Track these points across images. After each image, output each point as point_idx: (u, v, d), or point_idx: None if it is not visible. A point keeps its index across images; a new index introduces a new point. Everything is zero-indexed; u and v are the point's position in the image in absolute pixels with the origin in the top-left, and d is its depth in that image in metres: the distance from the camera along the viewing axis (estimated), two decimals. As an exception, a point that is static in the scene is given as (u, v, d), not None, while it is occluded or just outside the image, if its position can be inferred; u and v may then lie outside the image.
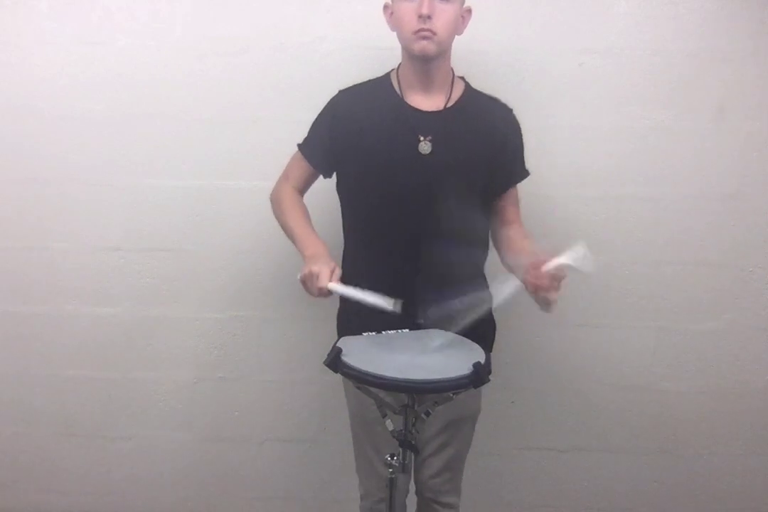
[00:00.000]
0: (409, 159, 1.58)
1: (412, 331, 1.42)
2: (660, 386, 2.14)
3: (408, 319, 1.49)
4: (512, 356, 2.10)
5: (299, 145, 1.70)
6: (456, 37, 1.58)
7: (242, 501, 2.27)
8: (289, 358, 2.15)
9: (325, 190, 1.72)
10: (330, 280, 1.42)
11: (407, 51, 1.57)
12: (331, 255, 1.54)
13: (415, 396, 1.38)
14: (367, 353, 1.38)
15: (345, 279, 1.47)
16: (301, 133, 1.70)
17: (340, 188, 1.71)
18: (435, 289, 1.62)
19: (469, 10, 1.59)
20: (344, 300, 1.67)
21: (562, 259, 1.35)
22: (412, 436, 1.39)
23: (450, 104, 1.62)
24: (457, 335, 1.51)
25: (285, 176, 1.74)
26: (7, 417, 2.22)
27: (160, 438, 2.22)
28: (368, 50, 1.89)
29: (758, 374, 2.12)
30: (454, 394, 1.36)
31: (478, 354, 1.38)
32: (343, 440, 1.83)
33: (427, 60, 1.54)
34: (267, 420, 2.20)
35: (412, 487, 1.78)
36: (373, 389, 1.37)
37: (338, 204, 1.72)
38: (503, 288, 1.41)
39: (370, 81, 1.68)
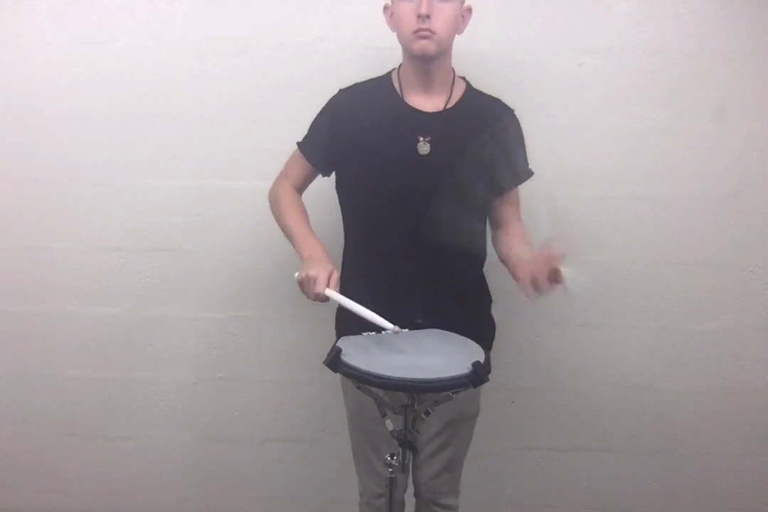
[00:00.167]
0: (407, 159, 1.58)
1: (411, 331, 1.41)
2: (660, 386, 2.14)
3: (408, 319, 1.48)
4: (512, 356, 2.10)
5: (299, 144, 1.71)
6: (456, 37, 1.58)
7: (242, 501, 2.27)
8: (289, 358, 2.15)
9: (324, 189, 1.72)
10: (327, 285, 1.42)
11: (407, 51, 1.57)
12: (330, 255, 1.54)
13: (414, 395, 1.38)
14: (367, 353, 1.38)
15: (344, 279, 1.47)
16: (301, 132, 1.71)
17: (340, 188, 1.71)
18: (434, 289, 1.63)
19: (470, 9, 1.59)
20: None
21: (567, 271, 1.37)
22: (412, 436, 1.39)
23: (450, 105, 1.61)
24: (456, 334, 1.52)
25: (284, 174, 1.74)
26: (7, 417, 2.22)
27: (160, 438, 2.22)
28: (368, 50, 1.89)
29: (758, 374, 2.12)
30: (453, 394, 1.36)
31: (477, 354, 1.38)
32: (343, 440, 1.83)
33: (427, 60, 1.54)
34: (267, 420, 2.20)
35: (411, 487, 1.78)
36: (372, 389, 1.37)
37: (338, 203, 1.72)
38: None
39: (370, 80, 1.68)
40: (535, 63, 1.96)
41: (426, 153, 1.58)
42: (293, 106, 1.93)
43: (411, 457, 1.43)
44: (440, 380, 1.28)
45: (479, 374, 1.29)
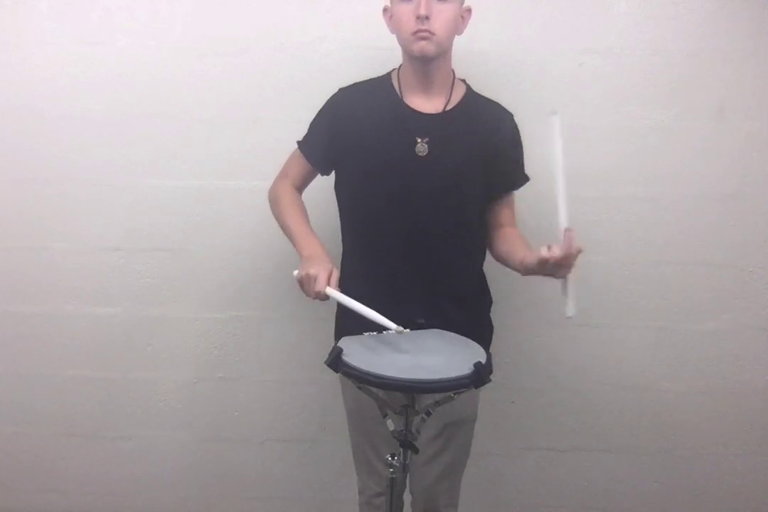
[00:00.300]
0: (405, 160, 1.58)
1: (412, 331, 1.41)
2: (660, 386, 2.14)
3: (408, 319, 1.48)
4: (512, 356, 2.10)
5: (299, 143, 1.71)
6: (457, 37, 1.58)
7: (242, 501, 2.27)
8: (289, 358, 2.15)
9: (324, 188, 1.72)
10: (328, 284, 1.42)
11: (407, 52, 1.57)
12: (330, 255, 1.54)
13: (415, 396, 1.38)
14: (368, 353, 1.38)
15: (344, 279, 1.47)
16: (301, 132, 1.71)
17: (338, 187, 1.71)
18: (433, 289, 1.63)
19: (469, 10, 1.59)
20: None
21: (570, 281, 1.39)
22: (413, 436, 1.39)
23: (449, 107, 1.61)
24: (457, 335, 1.52)
25: (283, 173, 1.74)
26: (7, 417, 2.22)
27: (160, 438, 2.22)
28: (368, 50, 1.89)
29: (758, 374, 2.12)
30: (455, 394, 1.36)
31: (478, 354, 1.38)
32: (343, 440, 1.83)
33: (426, 61, 1.54)
34: (267, 420, 2.20)
35: (409, 499, 1.77)
36: (373, 389, 1.37)
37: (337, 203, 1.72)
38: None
39: (370, 80, 1.68)
40: (535, 63, 1.96)
41: (424, 154, 1.58)
42: (293, 106, 1.93)
43: (411, 457, 1.43)
44: (441, 380, 1.27)
45: (480, 374, 1.28)
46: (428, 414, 1.39)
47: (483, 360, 1.32)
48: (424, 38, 1.49)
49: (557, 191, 1.41)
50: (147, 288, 2.11)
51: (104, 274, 2.11)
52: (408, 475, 1.49)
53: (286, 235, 1.65)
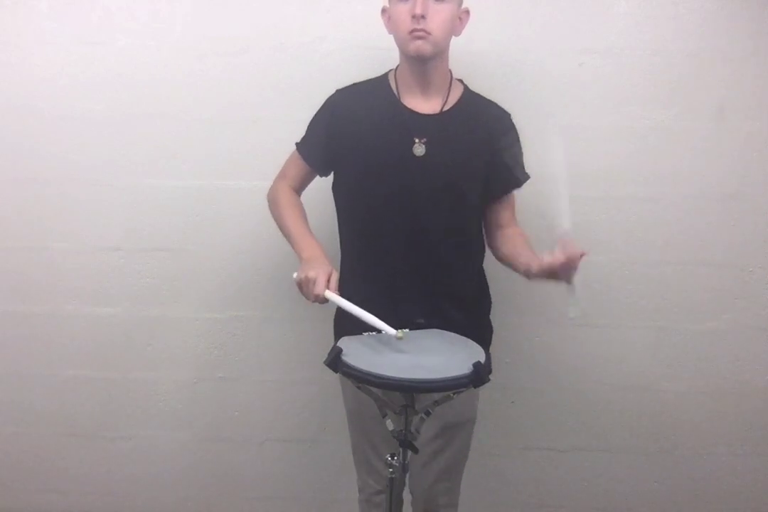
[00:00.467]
0: (403, 160, 1.58)
1: (412, 331, 1.41)
2: (660, 386, 2.14)
3: (408, 319, 1.49)
4: (512, 356, 2.10)
5: (297, 144, 1.71)
6: (456, 38, 1.58)
7: (242, 501, 2.27)
8: (289, 358, 2.15)
9: (322, 189, 1.72)
10: (327, 287, 1.42)
11: (403, 52, 1.57)
12: (328, 256, 1.54)
13: (414, 395, 1.38)
14: (368, 353, 1.38)
15: (343, 280, 1.48)
16: (301, 132, 1.71)
17: (336, 188, 1.71)
18: (432, 290, 1.63)
19: (467, 12, 1.59)
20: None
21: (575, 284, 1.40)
22: (412, 436, 1.39)
23: (447, 107, 1.61)
24: (456, 335, 1.52)
25: (282, 175, 1.74)
26: (7, 417, 2.22)
27: (160, 438, 2.22)
28: (368, 50, 1.89)
29: (758, 374, 2.12)
30: (454, 394, 1.36)
31: (478, 354, 1.38)
32: (343, 440, 1.83)
33: (423, 60, 1.54)
34: (267, 420, 2.20)
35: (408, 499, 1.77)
36: (373, 389, 1.37)
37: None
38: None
39: (368, 81, 1.68)
40: (535, 63, 1.96)
41: (422, 154, 1.58)
42: (293, 106, 1.93)
43: (410, 457, 1.43)
44: (441, 380, 1.27)
45: (480, 374, 1.28)
46: (428, 414, 1.39)
47: (482, 360, 1.32)
48: (420, 37, 1.49)
49: (558, 195, 1.41)
50: (147, 288, 2.11)
51: (104, 274, 2.11)
52: (407, 475, 1.49)
53: (285, 237, 1.65)
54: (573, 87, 1.98)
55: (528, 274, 1.50)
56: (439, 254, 1.62)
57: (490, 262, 1.74)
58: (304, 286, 1.45)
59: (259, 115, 2.00)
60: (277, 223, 1.68)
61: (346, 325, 1.62)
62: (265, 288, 2.10)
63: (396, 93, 1.62)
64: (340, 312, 1.71)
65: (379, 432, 1.62)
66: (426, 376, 1.27)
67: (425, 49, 1.50)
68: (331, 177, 1.71)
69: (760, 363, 2.11)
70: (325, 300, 1.44)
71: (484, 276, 1.76)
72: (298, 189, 1.73)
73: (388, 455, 1.42)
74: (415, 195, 1.59)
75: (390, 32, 1.59)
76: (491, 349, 1.67)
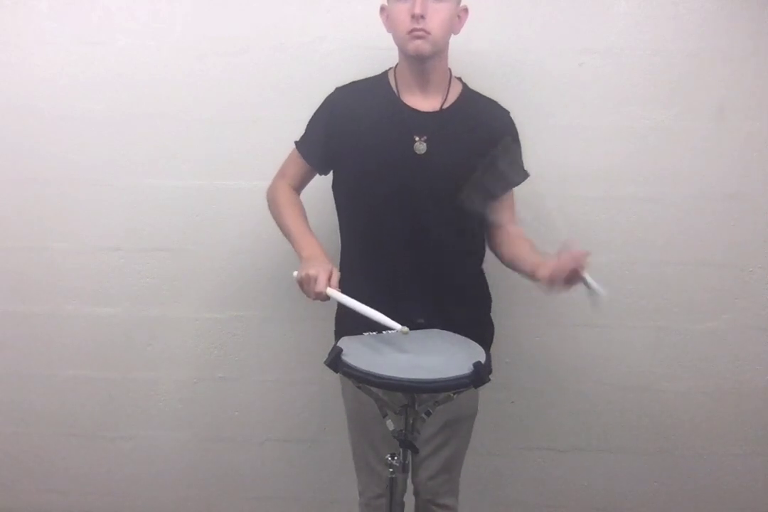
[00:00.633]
0: (404, 159, 1.58)
1: (412, 331, 1.41)
2: (660, 386, 2.14)
3: (408, 319, 1.48)
4: (512, 356, 2.10)
5: (296, 143, 1.71)
6: (456, 37, 1.58)
7: (242, 501, 2.27)
8: (289, 358, 2.15)
9: (322, 188, 1.72)
10: (328, 285, 1.42)
11: (403, 52, 1.57)
12: (328, 254, 1.54)
13: (415, 395, 1.38)
14: (368, 353, 1.38)
15: (343, 279, 1.47)
16: (301, 132, 1.71)
17: (336, 187, 1.71)
18: (433, 289, 1.63)
19: (466, 10, 1.59)
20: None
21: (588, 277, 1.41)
22: (412, 436, 1.39)
23: (447, 105, 1.62)
24: (456, 335, 1.52)
25: (281, 173, 1.74)
26: (7, 417, 2.22)
27: (160, 438, 2.22)
28: (368, 50, 1.89)
29: (758, 374, 2.12)
30: (455, 394, 1.36)
31: (478, 354, 1.38)
32: (343, 440, 1.83)
33: (422, 60, 1.54)
34: (267, 420, 2.20)
35: (410, 486, 1.78)
36: (373, 389, 1.37)
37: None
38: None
39: (367, 79, 1.68)
40: (535, 63, 1.96)
41: (422, 152, 1.58)
42: (293, 106, 1.92)
43: (411, 457, 1.44)
44: (441, 380, 1.28)
45: (480, 374, 1.29)
46: (428, 414, 1.39)
47: (482, 360, 1.32)
48: (419, 37, 1.49)
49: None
50: (147, 288, 2.11)
51: (104, 274, 2.11)
52: (410, 471, 1.49)
53: (285, 235, 1.65)
54: (573, 87, 1.98)
55: (535, 283, 1.50)
56: (440, 253, 1.62)
57: (489, 262, 1.74)
58: (305, 285, 1.45)
59: (259, 115, 2.00)
60: (277, 222, 1.68)
61: (347, 325, 1.62)
62: (265, 288, 2.10)
63: (395, 91, 1.62)
64: (342, 312, 1.71)
65: (380, 433, 1.62)
66: (426, 376, 1.28)
67: (425, 48, 1.50)
68: (330, 176, 1.71)
69: (760, 363, 2.11)
70: (327, 298, 1.44)
71: (483, 275, 1.76)
72: (298, 188, 1.73)
73: (388, 455, 1.42)
74: (416, 193, 1.59)
75: (389, 31, 1.59)
76: (492, 349, 1.67)
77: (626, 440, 2.18)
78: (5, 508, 2.27)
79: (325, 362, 1.35)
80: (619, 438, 2.18)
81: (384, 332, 1.42)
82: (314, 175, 1.72)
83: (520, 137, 1.69)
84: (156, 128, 2.02)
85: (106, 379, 2.18)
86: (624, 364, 2.12)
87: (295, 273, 1.48)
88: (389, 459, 1.42)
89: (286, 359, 2.15)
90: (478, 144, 1.61)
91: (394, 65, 1.65)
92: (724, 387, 2.13)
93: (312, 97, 1.68)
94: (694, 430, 2.16)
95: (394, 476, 1.43)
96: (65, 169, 2.05)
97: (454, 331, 1.54)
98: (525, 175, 1.72)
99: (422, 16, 1.47)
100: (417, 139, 1.58)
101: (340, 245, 1.72)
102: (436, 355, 1.41)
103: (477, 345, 1.46)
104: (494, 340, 1.76)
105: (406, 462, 1.40)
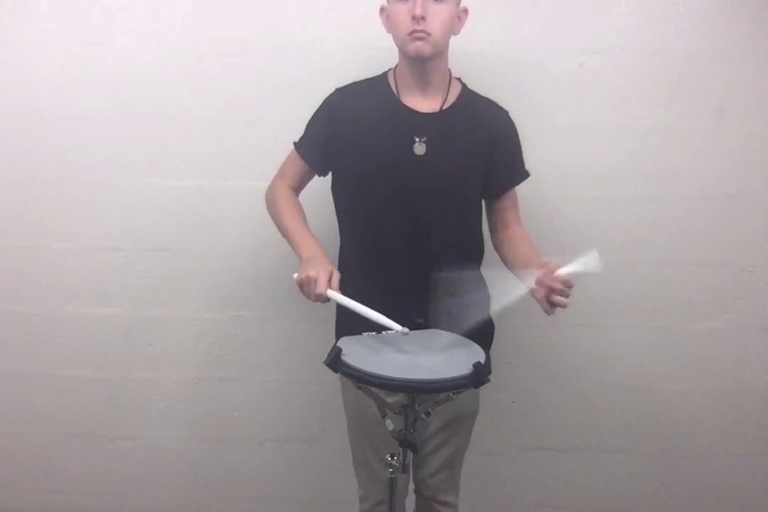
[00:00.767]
0: (404, 160, 1.58)
1: (412, 331, 1.41)
2: (660, 386, 2.14)
3: (408, 319, 1.48)
4: (512, 356, 2.10)
5: (295, 144, 1.70)
6: (456, 37, 1.58)
7: (242, 501, 2.27)
8: (289, 358, 2.15)
9: (321, 189, 1.72)
10: (329, 286, 1.42)
11: (403, 52, 1.57)
12: (328, 255, 1.54)
13: (415, 396, 1.38)
14: (367, 353, 1.38)
15: (342, 280, 1.47)
16: (301, 133, 1.70)
17: (336, 188, 1.70)
18: (433, 289, 1.63)
19: (465, 11, 1.59)
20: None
21: (574, 267, 1.38)
22: (412, 436, 1.39)
23: (446, 106, 1.61)
24: (457, 335, 1.52)
25: (280, 174, 1.74)
26: (7, 417, 2.22)
27: (160, 438, 2.22)
28: (368, 50, 1.89)
29: (758, 374, 2.12)
30: (454, 394, 1.36)
31: (478, 354, 1.38)
32: (343, 440, 1.83)
33: (422, 61, 1.54)
34: (267, 420, 2.20)
35: (411, 487, 1.78)
36: (373, 389, 1.37)
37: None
38: (507, 295, 1.42)
39: (366, 80, 1.68)
40: (535, 63, 1.96)
41: (422, 153, 1.58)
42: (293, 106, 1.93)
43: (411, 457, 1.43)
44: (441, 381, 1.28)
45: (480, 375, 1.28)
46: (428, 414, 1.39)
47: (482, 361, 1.32)
48: (419, 39, 1.49)
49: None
50: (147, 288, 2.11)
51: (104, 274, 2.11)
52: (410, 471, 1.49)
53: (284, 236, 1.65)
54: (573, 87, 1.98)
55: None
56: (439, 253, 1.62)
57: (490, 262, 1.74)
58: (305, 286, 1.45)
59: (259, 115, 2.00)
60: (276, 223, 1.68)
61: (347, 325, 1.62)
62: (265, 288, 2.10)
63: (395, 92, 1.62)
64: (342, 313, 1.71)
65: (380, 434, 1.61)
66: (426, 377, 1.28)
67: (425, 49, 1.50)
68: (330, 177, 1.71)
69: (760, 363, 2.11)
70: (327, 300, 1.43)
71: (481, 275, 1.75)
72: (297, 188, 1.73)
73: (388, 455, 1.42)
74: (415, 194, 1.59)
75: (388, 31, 1.59)
76: (492, 349, 1.67)
77: (626, 440, 2.18)
78: (5, 508, 2.27)
79: (324, 362, 1.35)
80: (619, 438, 2.18)
81: (384, 332, 1.42)
82: (313, 176, 1.72)
83: (520, 137, 1.69)
84: (156, 128, 2.02)
85: (106, 379, 2.18)
86: (624, 364, 2.12)
87: (295, 275, 1.47)
88: (389, 459, 1.41)
89: (286, 359, 2.15)
90: (478, 144, 1.61)
91: (393, 66, 1.65)
92: (724, 387, 2.13)
93: (312, 97, 1.68)
94: (694, 430, 2.16)
95: (394, 476, 1.43)
96: (65, 169, 2.05)
97: (454, 332, 1.54)
98: (525, 174, 1.72)
99: (423, 18, 1.47)
100: (417, 140, 1.58)
101: (339, 246, 1.72)
102: (435, 355, 1.41)
103: (476, 345, 1.46)
104: (494, 340, 1.76)
105: (406, 462, 1.40)
